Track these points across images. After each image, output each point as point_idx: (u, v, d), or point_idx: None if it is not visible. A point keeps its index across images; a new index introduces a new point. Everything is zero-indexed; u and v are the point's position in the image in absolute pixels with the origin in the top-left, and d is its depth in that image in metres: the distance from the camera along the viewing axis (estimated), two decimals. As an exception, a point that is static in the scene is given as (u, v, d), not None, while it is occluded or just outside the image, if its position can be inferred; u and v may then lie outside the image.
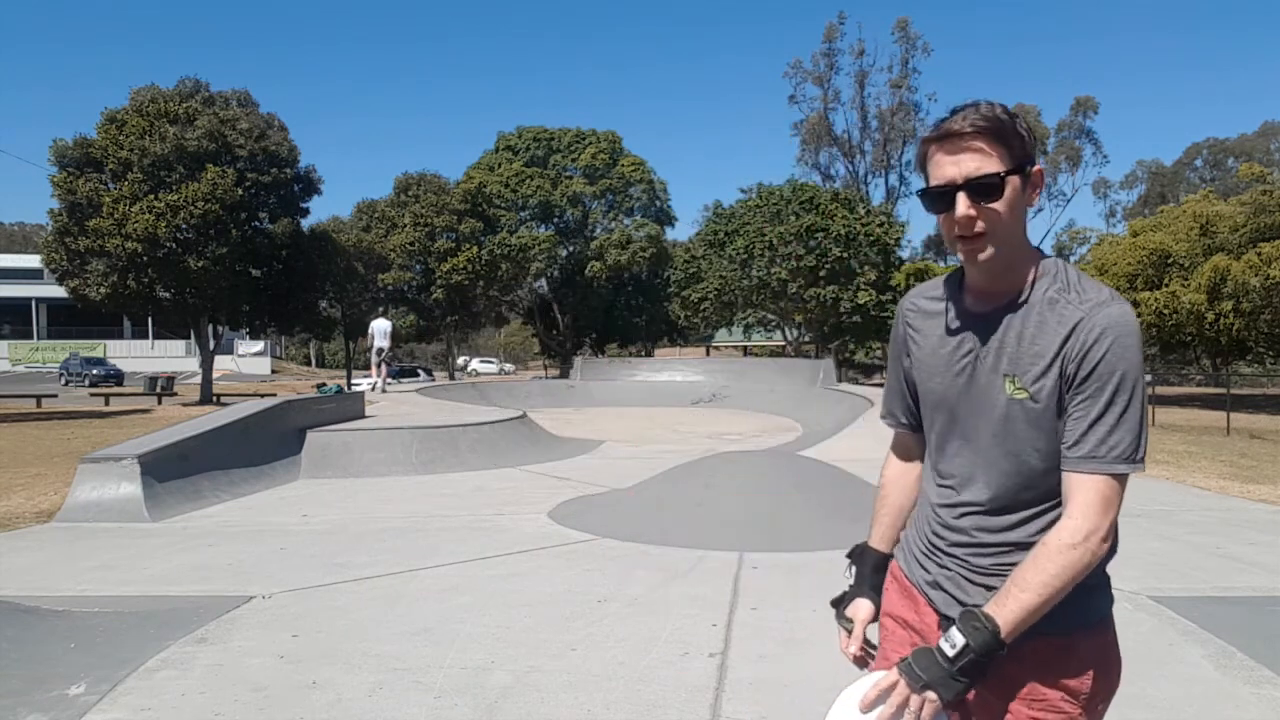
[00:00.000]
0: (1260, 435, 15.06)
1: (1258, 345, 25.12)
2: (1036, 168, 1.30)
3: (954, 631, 1.22)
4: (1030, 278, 1.32)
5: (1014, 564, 1.29)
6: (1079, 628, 1.32)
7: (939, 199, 1.30)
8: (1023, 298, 1.32)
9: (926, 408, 1.47)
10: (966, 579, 1.37)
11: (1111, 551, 1.29)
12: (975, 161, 1.27)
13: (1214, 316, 22.45)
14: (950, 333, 1.39)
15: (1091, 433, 1.24)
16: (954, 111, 1.31)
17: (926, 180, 1.33)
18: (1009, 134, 1.27)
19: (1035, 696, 1.32)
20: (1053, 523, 1.30)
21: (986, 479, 1.36)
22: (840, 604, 1.60)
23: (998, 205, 1.27)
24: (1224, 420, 16.39)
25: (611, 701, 3.04)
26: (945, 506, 1.42)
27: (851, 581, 1.60)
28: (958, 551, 1.39)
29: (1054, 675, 1.31)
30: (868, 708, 1.22)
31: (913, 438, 1.57)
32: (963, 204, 1.27)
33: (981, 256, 1.30)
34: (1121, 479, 1.24)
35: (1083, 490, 1.24)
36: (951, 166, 1.28)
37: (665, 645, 3.61)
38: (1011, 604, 1.21)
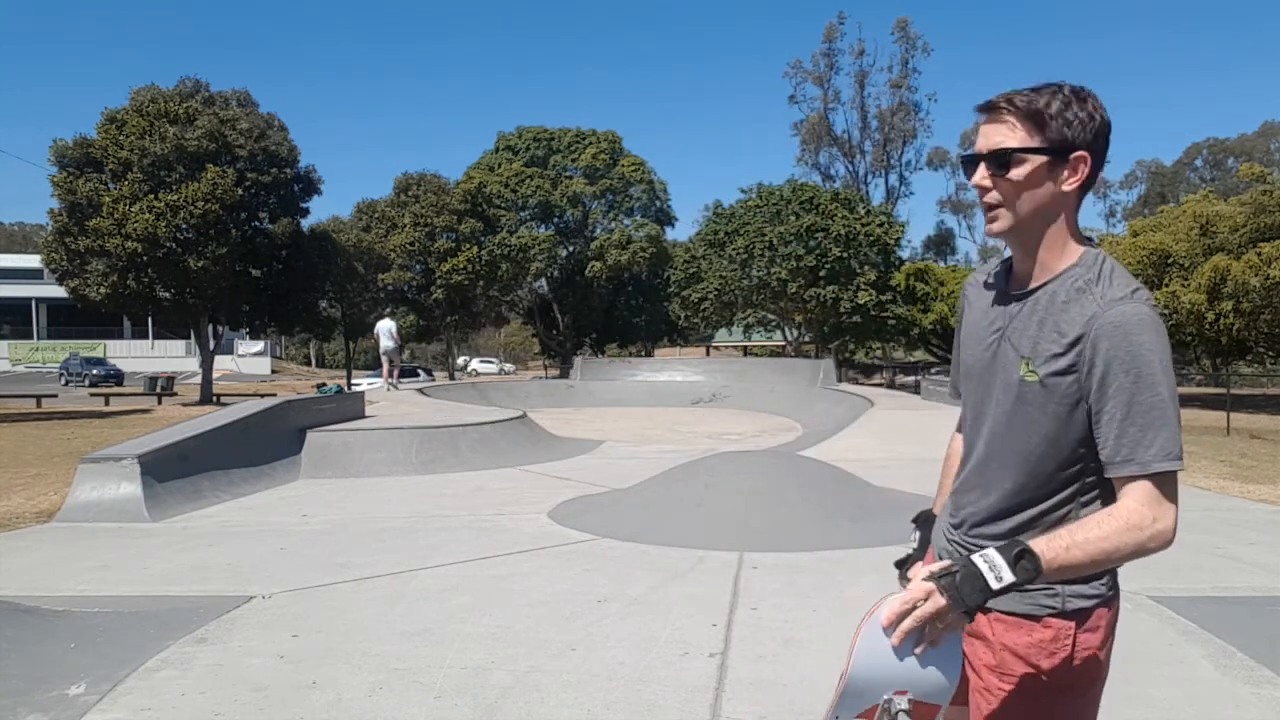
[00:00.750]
0: (1260, 435, 15.06)
1: (1258, 345, 25.12)
2: (1076, 153, 1.28)
3: (1001, 564, 1.18)
4: (1065, 264, 1.33)
5: None
6: (1053, 614, 1.33)
7: (968, 166, 1.35)
8: (1053, 283, 1.33)
9: (962, 379, 1.52)
10: None
11: None
12: (1000, 135, 1.30)
13: (1214, 316, 22.44)
14: (990, 309, 1.43)
15: (1124, 435, 1.23)
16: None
17: None
18: (1044, 114, 1.28)
19: (1005, 670, 1.35)
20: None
21: (996, 460, 1.38)
22: (904, 565, 1.64)
23: (1012, 179, 1.29)
24: (1224, 420, 16.40)
25: (611, 701, 3.04)
26: (963, 481, 1.48)
27: (915, 545, 1.66)
28: (960, 534, 1.45)
29: (1024, 652, 1.33)
30: (894, 621, 1.19)
31: None
32: (979, 173, 1.32)
33: (994, 227, 1.35)
34: (1167, 476, 1.23)
35: (1132, 492, 1.23)
36: (983, 138, 1.33)
37: (665, 645, 3.61)
38: (1062, 556, 1.18)
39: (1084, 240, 1.35)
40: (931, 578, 1.19)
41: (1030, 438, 1.32)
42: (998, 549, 1.20)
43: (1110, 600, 1.35)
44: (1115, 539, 1.19)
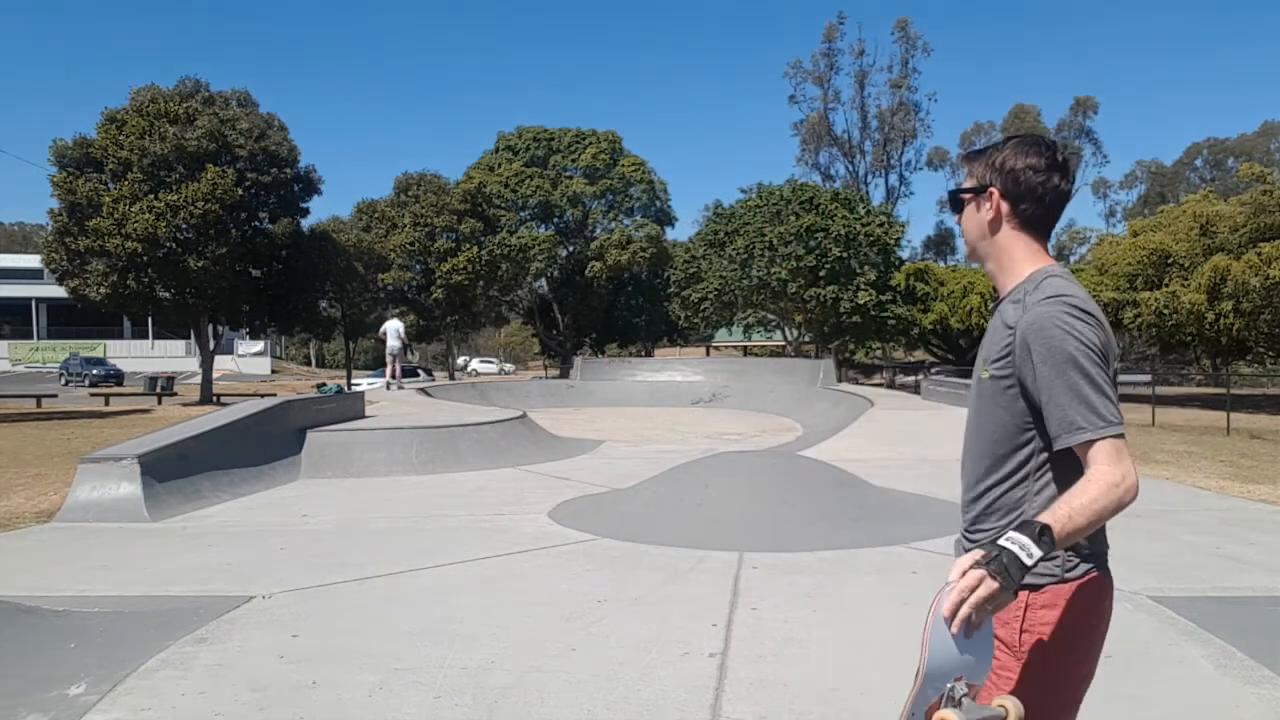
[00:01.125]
0: (1260, 435, 15.07)
1: (1258, 345, 25.13)
2: (987, 190, 1.57)
3: (1028, 542, 1.30)
4: (1015, 282, 1.56)
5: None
6: None
7: None
8: (1005, 298, 1.58)
9: None
10: (964, 547, 1.59)
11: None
12: (964, 180, 1.64)
13: (1214, 316, 22.46)
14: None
15: (1051, 415, 1.42)
16: None
17: None
18: (976, 162, 1.61)
19: None
20: (1009, 525, 1.47)
21: (971, 450, 1.60)
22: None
23: (962, 216, 1.65)
24: (1224, 420, 16.40)
25: (611, 701, 3.04)
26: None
27: None
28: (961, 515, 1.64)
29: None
30: (953, 610, 1.29)
31: None
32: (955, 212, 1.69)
33: (967, 253, 1.69)
34: (1114, 439, 1.38)
35: (1095, 459, 1.39)
36: None
37: (665, 645, 3.61)
38: (1068, 525, 1.32)
39: (1051, 262, 1.57)
40: (978, 565, 1.30)
41: (987, 425, 1.55)
42: (1018, 529, 1.33)
43: (1069, 581, 1.45)
44: (1103, 499, 1.34)
